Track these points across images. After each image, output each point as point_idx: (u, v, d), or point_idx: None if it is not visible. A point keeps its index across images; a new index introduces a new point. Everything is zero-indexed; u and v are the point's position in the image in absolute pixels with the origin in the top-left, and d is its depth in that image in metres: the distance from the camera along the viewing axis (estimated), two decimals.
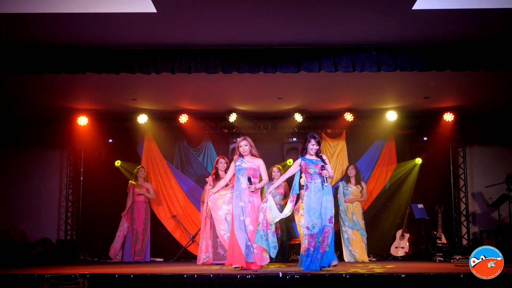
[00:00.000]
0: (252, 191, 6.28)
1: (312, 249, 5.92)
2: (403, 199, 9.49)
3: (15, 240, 9.19)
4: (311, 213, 5.97)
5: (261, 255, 6.17)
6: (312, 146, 6.14)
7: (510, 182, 8.58)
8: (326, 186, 6.04)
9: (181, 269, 6.42)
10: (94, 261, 9.12)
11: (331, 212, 6.00)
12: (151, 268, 6.76)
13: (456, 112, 9.34)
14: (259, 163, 6.40)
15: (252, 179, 6.26)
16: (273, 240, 6.11)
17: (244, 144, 6.36)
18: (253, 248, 6.13)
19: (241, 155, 6.40)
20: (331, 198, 6.07)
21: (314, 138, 6.15)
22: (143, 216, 8.94)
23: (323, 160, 6.15)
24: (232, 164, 6.50)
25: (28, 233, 9.44)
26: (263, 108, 9.33)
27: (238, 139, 6.59)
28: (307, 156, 6.16)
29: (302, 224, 6.21)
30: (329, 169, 6.14)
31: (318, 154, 6.18)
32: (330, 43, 6.44)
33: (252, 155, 6.41)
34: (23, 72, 6.51)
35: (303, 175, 6.30)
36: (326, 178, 6.03)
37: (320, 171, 6.04)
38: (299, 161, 6.18)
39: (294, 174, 6.23)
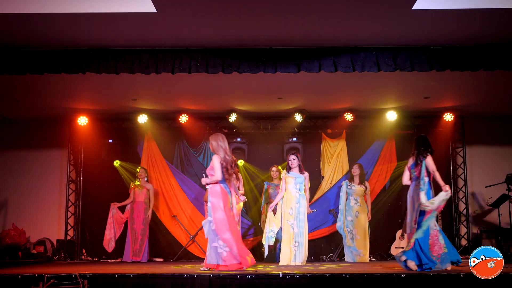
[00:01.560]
0: (204, 185, 6.19)
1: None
2: (403, 199, 9.47)
3: (15, 240, 9.20)
4: None
5: (230, 255, 5.90)
6: None
7: (510, 182, 8.58)
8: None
9: (181, 269, 6.42)
10: (94, 261, 9.12)
11: None
12: (151, 268, 6.76)
13: (456, 112, 9.35)
14: (213, 159, 6.10)
15: (205, 174, 6.11)
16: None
17: (212, 141, 6.20)
18: (220, 248, 5.92)
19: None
20: None
21: None
22: (142, 216, 8.93)
23: None
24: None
25: (28, 233, 9.45)
26: (263, 108, 9.33)
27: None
28: None
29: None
30: None
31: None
32: (330, 43, 6.44)
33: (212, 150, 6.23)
34: (23, 72, 6.52)
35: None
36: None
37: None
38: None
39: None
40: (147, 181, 9.14)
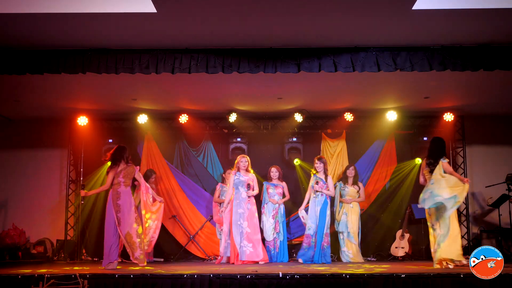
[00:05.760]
0: (249, 197, 7.83)
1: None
2: (403, 199, 9.48)
3: (15, 240, 9.20)
4: None
5: (254, 253, 7.65)
6: None
7: (510, 182, 8.58)
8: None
9: (181, 269, 6.42)
10: (94, 261, 9.11)
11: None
12: (151, 268, 6.76)
13: (456, 112, 9.35)
14: (253, 177, 7.98)
15: (250, 189, 7.84)
16: None
17: (245, 161, 7.94)
18: (244, 247, 7.65)
19: (238, 170, 7.93)
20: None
21: None
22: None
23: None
24: (231, 178, 7.92)
25: (28, 233, 9.45)
26: (263, 108, 9.32)
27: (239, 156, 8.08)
28: None
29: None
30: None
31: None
32: (330, 43, 6.44)
33: (247, 170, 7.97)
34: (23, 72, 6.51)
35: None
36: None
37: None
38: None
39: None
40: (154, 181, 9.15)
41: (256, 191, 7.98)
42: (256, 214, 7.95)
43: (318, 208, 7.79)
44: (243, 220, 7.73)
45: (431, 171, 6.84)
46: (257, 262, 7.61)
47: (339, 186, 8.69)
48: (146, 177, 8.97)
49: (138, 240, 6.84)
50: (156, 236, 7.97)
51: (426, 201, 6.65)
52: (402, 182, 9.53)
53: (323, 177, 7.96)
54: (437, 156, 6.88)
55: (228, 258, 7.93)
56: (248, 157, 8.04)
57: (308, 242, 7.74)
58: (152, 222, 7.76)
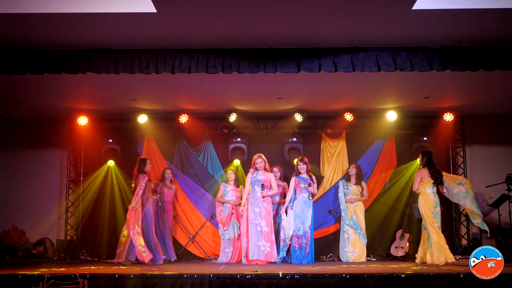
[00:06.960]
0: (264, 197, 7.80)
1: None
2: (404, 199, 9.47)
3: (15, 240, 9.20)
4: None
5: (271, 253, 7.62)
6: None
7: (510, 182, 8.57)
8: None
9: (181, 269, 6.43)
10: (94, 261, 9.11)
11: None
12: (151, 268, 6.76)
13: (456, 112, 9.35)
14: (271, 177, 7.96)
15: (266, 188, 7.85)
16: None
17: (260, 161, 7.95)
18: (262, 247, 7.61)
19: (256, 169, 7.95)
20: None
21: None
22: (172, 215, 9.00)
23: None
24: (248, 177, 7.96)
25: (28, 233, 9.45)
26: (263, 108, 9.33)
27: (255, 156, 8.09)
28: None
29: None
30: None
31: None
32: (330, 43, 6.44)
33: (265, 169, 7.97)
34: (23, 72, 6.52)
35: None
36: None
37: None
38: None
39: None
40: (171, 181, 9.15)
41: (272, 191, 7.94)
42: (272, 214, 7.99)
43: (310, 209, 7.77)
44: (261, 219, 7.74)
45: (437, 182, 7.56)
46: (269, 263, 7.63)
47: (342, 185, 8.71)
48: (165, 175, 9.12)
49: (123, 239, 7.78)
50: (136, 243, 7.54)
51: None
52: (403, 182, 9.53)
53: (307, 177, 7.95)
54: (438, 169, 7.64)
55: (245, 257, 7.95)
56: (264, 157, 8.01)
57: (300, 243, 7.68)
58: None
